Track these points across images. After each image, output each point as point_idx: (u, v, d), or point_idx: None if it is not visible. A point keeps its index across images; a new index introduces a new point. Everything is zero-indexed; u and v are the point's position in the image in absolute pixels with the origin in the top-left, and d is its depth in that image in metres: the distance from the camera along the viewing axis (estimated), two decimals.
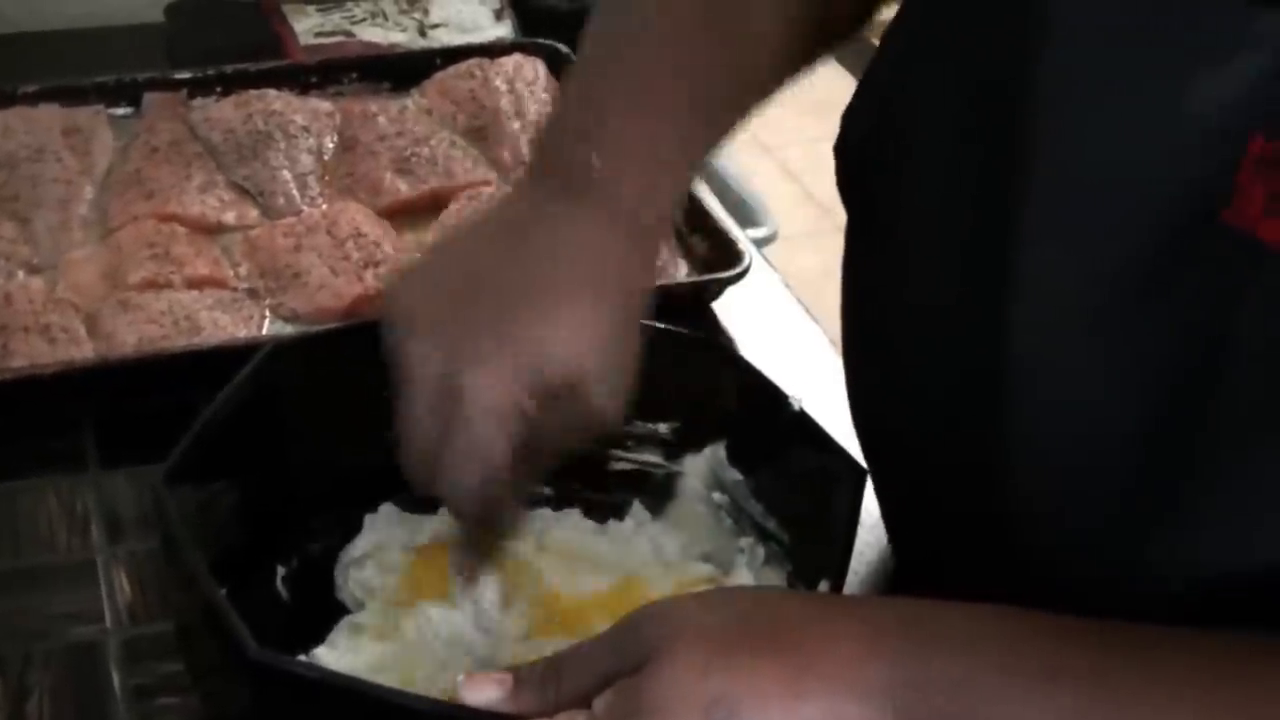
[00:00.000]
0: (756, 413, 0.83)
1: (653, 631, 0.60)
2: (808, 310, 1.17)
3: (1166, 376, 0.61)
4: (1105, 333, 0.63)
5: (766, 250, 2.03)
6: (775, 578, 0.82)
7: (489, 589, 0.76)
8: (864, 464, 0.78)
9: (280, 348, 0.81)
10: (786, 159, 3.31)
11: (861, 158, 0.79)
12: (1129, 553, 0.64)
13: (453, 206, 1.14)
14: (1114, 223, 0.61)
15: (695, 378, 0.85)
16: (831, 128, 0.82)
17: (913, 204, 0.73)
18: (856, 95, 0.80)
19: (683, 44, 0.77)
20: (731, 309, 1.12)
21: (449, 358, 0.70)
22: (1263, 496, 0.59)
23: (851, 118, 0.81)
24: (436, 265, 0.76)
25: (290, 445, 0.82)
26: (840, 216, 0.83)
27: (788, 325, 1.14)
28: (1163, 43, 0.59)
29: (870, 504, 0.93)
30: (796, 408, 0.80)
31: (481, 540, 0.77)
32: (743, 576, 0.81)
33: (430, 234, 1.13)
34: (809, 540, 0.80)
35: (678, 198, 0.78)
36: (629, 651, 0.60)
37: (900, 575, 0.92)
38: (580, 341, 0.71)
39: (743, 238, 1.14)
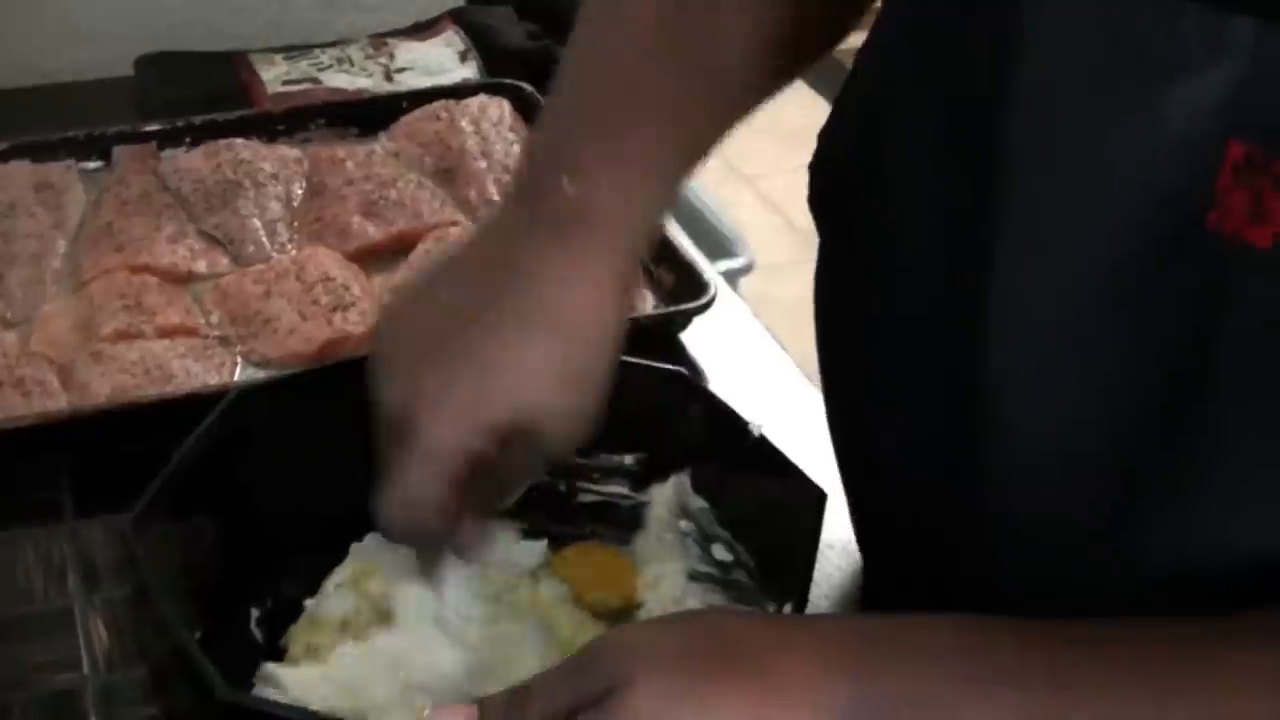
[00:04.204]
0: (719, 441, 0.84)
1: (614, 660, 0.61)
2: (777, 339, 1.18)
3: (1148, 386, 0.62)
4: (1084, 344, 0.63)
5: (744, 280, 2.05)
6: (742, 603, 0.83)
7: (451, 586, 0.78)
8: (824, 488, 0.79)
9: (245, 393, 0.83)
10: (767, 189, 3.33)
11: (838, 175, 0.80)
12: (1109, 563, 0.65)
13: (420, 247, 1.15)
14: (1092, 234, 0.62)
15: (659, 408, 0.86)
16: (811, 156, 0.83)
17: (889, 220, 0.73)
18: (832, 114, 0.81)
19: (652, 69, 0.77)
20: (700, 339, 1.13)
21: (406, 397, 0.72)
22: (1248, 501, 0.60)
23: (828, 136, 0.81)
24: (412, 302, 0.77)
25: (261, 488, 0.84)
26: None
27: (756, 355, 1.15)
28: (1137, 52, 0.59)
29: (840, 527, 0.94)
30: (757, 434, 0.82)
31: (431, 558, 0.78)
32: (709, 602, 0.83)
33: (399, 276, 1.14)
34: (773, 564, 0.82)
35: (654, 222, 0.78)
36: (591, 681, 0.61)
37: (871, 597, 0.93)
38: (536, 383, 0.71)
39: (709, 269, 1.15)
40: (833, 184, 0.81)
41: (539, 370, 0.71)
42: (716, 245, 1.97)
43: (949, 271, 0.68)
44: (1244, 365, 0.58)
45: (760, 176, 3.29)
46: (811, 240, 0.83)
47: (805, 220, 0.83)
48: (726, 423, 0.83)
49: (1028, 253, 0.64)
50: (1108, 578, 0.66)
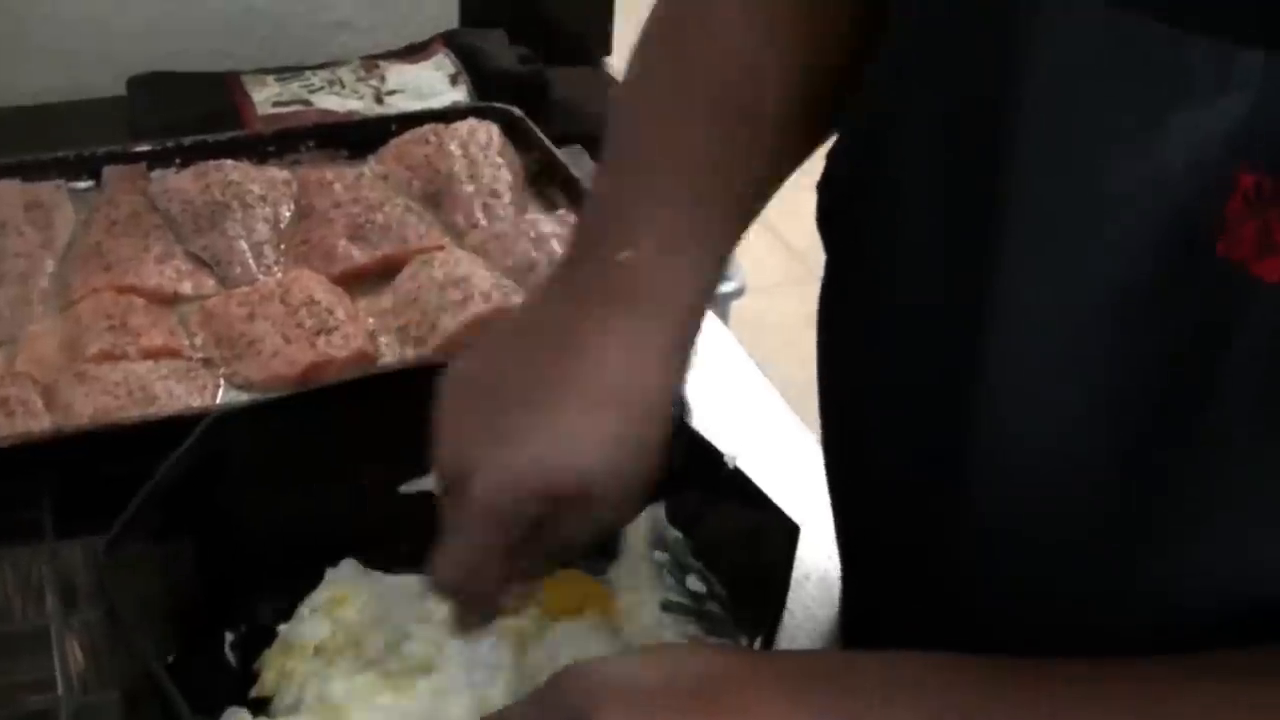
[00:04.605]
0: (694, 471, 0.84)
1: (577, 694, 0.61)
2: (761, 367, 1.18)
3: (1147, 406, 0.62)
4: (1083, 360, 0.63)
5: (736, 304, 2.05)
6: (715, 634, 0.83)
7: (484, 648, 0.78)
8: (799, 520, 0.79)
9: (222, 418, 0.83)
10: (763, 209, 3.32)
11: (847, 190, 0.80)
12: (1098, 593, 0.66)
13: (406, 270, 1.16)
14: (1095, 251, 0.62)
15: None
16: (804, 175, 0.82)
17: (894, 228, 0.74)
18: (840, 131, 0.81)
19: (699, 133, 0.77)
20: None
21: (463, 459, 0.72)
22: (1248, 529, 0.60)
23: (837, 153, 0.81)
24: (472, 366, 0.77)
25: (239, 512, 0.84)
26: (816, 264, 0.84)
27: (739, 383, 1.16)
28: (1145, 78, 0.59)
29: (818, 559, 0.95)
30: (732, 465, 0.82)
31: (470, 615, 0.78)
32: (683, 636, 0.83)
33: (384, 299, 1.15)
34: (746, 596, 0.82)
35: (707, 291, 0.76)
36: (556, 713, 0.61)
37: (849, 630, 0.94)
38: (591, 452, 0.71)
39: None
40: (840, 197, 0.81)
41: (594, 439, 0.71)
42: None
43: (952, 281, 0.69)
44: (1247, 395, 0.58)
45: None
46: (807, 259, 0.83)
47: (800, 240, 0.83)
48: (701, 453, 0.83)
49: (1030, 267, 0.64)
50: (1096, 609, 0.66)
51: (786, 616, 0.94)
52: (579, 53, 1.63)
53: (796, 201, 0.85)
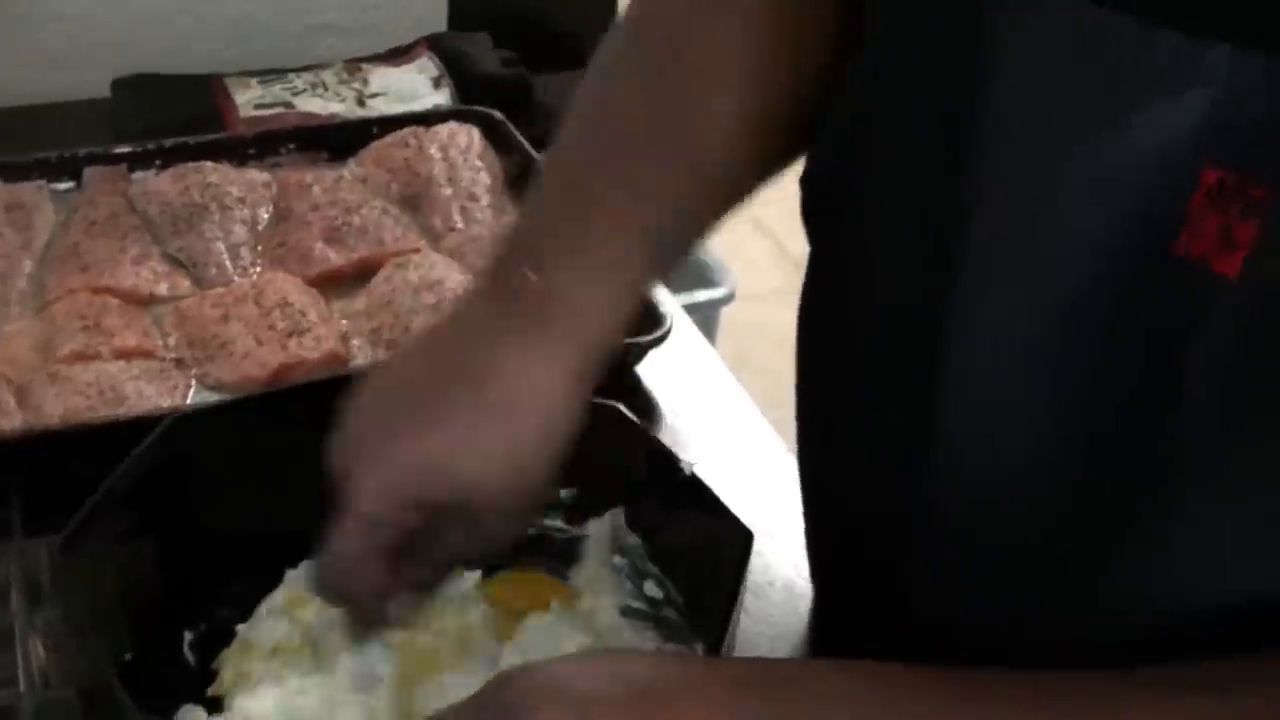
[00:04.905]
0: (651, 477, 0.85)
1: (517, 696, 0.61)
2: (734, 373, 1.19)
3: (1108, 408, 0.62)
4: (1045, 363, 0.64)
5: (732, 310, 2.06)
6: (672, 639, 0.84)
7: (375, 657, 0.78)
8: (754, 528, 0.79)
9: (182, 418, 0.84)
10: (760, 215, 3.33)
11: (826, 189, 0.80)
12: (1060, 597, 0.66)
13: (381, 274, 1.16)
14: (1058, 254, 0.62)
15: (595, 443, 0.87)
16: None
17: (870, 235, 0.74)
18: (821, 127, 0.81)
19: (625, 158, 0.77)
20: (657, 372, 1.15)
21: (351, 462, 0.73)
22: (1214, 530, 0.60)
23: (818, 151, 0.81)
24: (380, 376, 0.77)
25: (199, 513, 0.85)
26: None
27: (711, 389, 1.17)
28: (1111, 74, 0.59)
29: (784, 566, 0.95)
30: (689, 472, 0.82)
31: (360, 620, 0.78)
32: (641, 640, 0.84)
33: (358, 302, 1.15)
34: (702, 603, 0.82)
35: (619, 314, 0.76)
36: (495, 715, 0.61)
37: (820, 638, 0.94)
38: (475, 464, 0.71)
39: (668, 302, 1.17)
40: (819, 195, 0.81)
41: (480, 451, 0.72)
42: (697, 275, 1.99)
43: (920, 282, 0.69)
44: (1209, 393, 0.59)
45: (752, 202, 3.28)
46: (803, 266, 0.83)
47: (797, 247, 0.83)
48: (659, 459, 0.84)
49: (995, 267, 0.65)
50: (1060, 615, 0.67)
51: (749, 624, 0.95)
52: (577, 57, 1.63)
53: (797, 209, 0.85)
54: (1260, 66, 0.55)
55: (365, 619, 0.78)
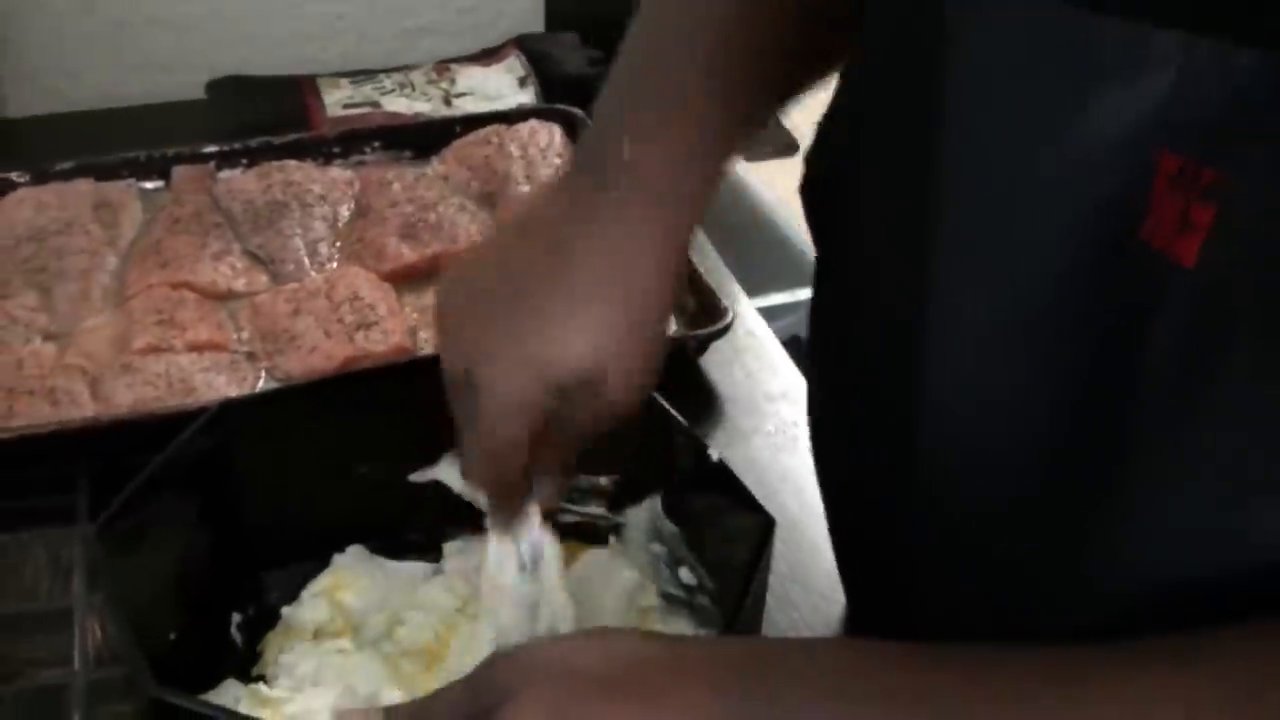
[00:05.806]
0: (686, 466, 0.85)
1: (507, 674, 0.63)
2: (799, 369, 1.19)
3: (1078, 397, 0.62)
4: (1018, 349, 0.64)
5: None
6: (704, 625, 0.84)
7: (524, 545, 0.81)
8: (779, 517, 0.80)
9: (227, 405, 0.86)
10: None
11: (821, 192, 0.81)
12: (1051, 579, 0.66)
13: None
14: (1024, 246, 0.62)
15: (634, 432, 0.88)
16: None
17: (861, 234, 0.75)
18: (816, 135, 0.82)
19: (709, 49, 0.78)
20: (721, 364, 1.16)
21: (469, 357, 0.75)
22: (1176, 505, 0.60)
23: (813, 153, 0.82)
24: (474, 267, 0.80)
25: (249, 499, 0.87)
26: None
27: (774, 382, 1.17)
28: (1064, 63, 0.59)
29: (819, 559, 0.96)
30: (715, 459, 0.83)
31: (508, 508, 0.80)
32: (677, 627, 0.85)
33: (429, 296, 1.17)
34: (730, 589, 0.83)
35: (709, 185, 0.78)
36: (484, 695, 0.62)
37: (853, 626, 0.94)
38: (593, 339, 0.73)
39: (737, 294, 1.17)
40: (816, 198, 0.82)
41: (599, 327, 0.73)
42: (800, 273, 1.97)
43: (903, 276, 0.69)
44: (1167, 379, 0.59)
45: None
46: None
47: None
48: (690, 448, 0.85)
49: (963, 264, 0.65)
50: (1053, 594, 0.67)
51: (791, 611, 0.96)
52: None
53: None
54: (1210, 52, 0.55)
55: (513, 505, 0.80)
